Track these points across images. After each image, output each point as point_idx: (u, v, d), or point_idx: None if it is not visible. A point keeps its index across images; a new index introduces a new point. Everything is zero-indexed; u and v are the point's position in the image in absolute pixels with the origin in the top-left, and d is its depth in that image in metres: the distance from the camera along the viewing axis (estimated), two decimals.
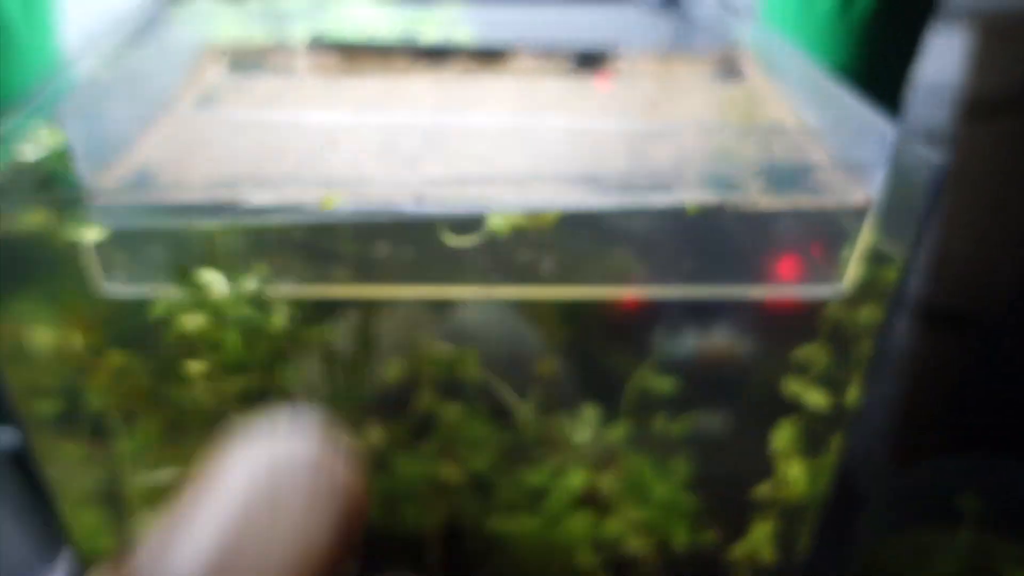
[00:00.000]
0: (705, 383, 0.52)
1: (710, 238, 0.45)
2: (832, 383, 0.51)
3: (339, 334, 0.47)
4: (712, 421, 0.54)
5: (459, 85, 0.58)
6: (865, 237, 0.44)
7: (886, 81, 0.67)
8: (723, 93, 0.59)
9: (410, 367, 0.50)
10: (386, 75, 0.61)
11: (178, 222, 0.40)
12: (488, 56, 0.62)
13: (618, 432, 0.53)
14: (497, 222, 0.41)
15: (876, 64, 0.65)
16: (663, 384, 0.51)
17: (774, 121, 0.53)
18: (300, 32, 0.64)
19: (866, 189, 0.44)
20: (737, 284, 0.46)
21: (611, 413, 0.52)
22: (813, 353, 0.50)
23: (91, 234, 0.39)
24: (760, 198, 0.43)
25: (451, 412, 0.52)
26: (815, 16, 0.64)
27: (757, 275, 0.46)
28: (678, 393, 0.51)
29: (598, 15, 0.76)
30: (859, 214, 0.44)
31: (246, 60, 0.62)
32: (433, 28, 0.66)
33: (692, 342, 0.51)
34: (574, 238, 0.44)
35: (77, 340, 0.46)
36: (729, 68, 0.62)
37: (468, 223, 0.42)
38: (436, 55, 0.62)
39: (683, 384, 0.51)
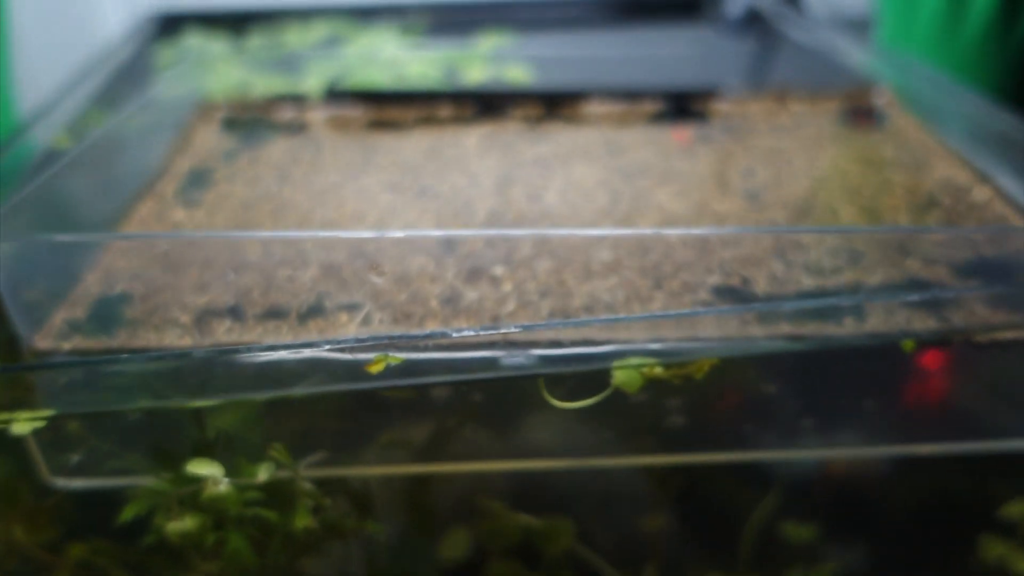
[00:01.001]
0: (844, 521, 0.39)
1: (900, 374, 0.32)
2: None
3: (386, 512, 0.34)
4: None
5: (525, 142, 0.45)
6: None
7: None
8: (864, 144, 0.45)
9: (478, 541, 0.37)
10: (427, 130, 0.47)
11: (148, 399, 0.26)
12: (554, 100, 0.49)
13: None
14: (625, 376, 0.28)
15: None
16: (800, 531, 0.38)
17: (953, 189, 0.40)
18: (314, 77, 0.51)
19: None
20: (955, 439, 0.33)
21: (730, 567, 0.39)
22: None
23: (23, 427, 0.26)
24: (999, 322, 0.30)
25: None
26: (963, 40, 0.51)
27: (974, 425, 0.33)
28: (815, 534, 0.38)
29: (669, 40, 0.63)
30: None
31: (248, 116, 0.48)
32: (479, 67, 0.53)
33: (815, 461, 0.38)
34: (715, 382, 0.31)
35: (18, 534, 0.33)
36: (860, 107, 0.49)
37: (578, 376, 0.29)
38: (489, 101, 0.49)
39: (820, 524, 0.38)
